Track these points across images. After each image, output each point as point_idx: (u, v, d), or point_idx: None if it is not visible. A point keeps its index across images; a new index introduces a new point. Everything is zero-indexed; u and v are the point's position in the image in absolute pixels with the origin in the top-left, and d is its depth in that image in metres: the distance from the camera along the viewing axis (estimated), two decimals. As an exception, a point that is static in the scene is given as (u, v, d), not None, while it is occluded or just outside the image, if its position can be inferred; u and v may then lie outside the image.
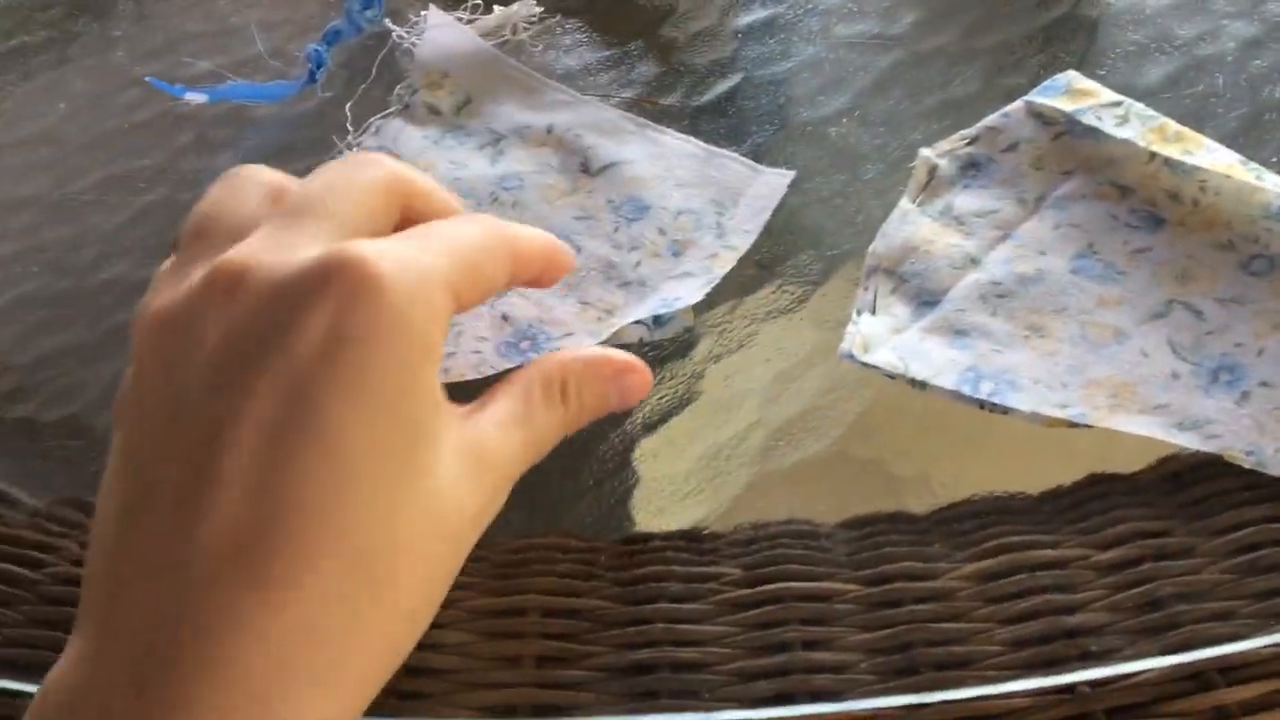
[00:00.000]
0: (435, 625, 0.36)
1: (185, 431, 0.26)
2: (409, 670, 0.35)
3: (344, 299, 0.26)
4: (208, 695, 0.24)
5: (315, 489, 0.25)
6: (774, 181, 0.47)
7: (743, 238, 0.45)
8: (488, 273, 0.30)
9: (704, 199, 0.46)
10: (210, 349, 0.26)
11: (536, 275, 0.33)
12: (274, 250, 0.28)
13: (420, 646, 0.35)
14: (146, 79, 0.54)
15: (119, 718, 0.23)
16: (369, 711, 0.34)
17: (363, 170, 0.30)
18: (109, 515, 0.27)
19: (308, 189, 0.30)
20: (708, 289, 0.42)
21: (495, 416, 0.30)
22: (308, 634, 0.25)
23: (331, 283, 0.26)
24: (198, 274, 0.28)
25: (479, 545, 0.39)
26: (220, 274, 0.27)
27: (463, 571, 0.38)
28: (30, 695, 0.35)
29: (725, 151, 0.48)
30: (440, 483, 0.27)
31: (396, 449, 0.27)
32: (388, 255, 0.27)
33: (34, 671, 0.36)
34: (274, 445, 0.25)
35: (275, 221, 0.29)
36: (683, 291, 0.42)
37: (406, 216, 0.31)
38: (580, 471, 0.40)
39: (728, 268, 0.43)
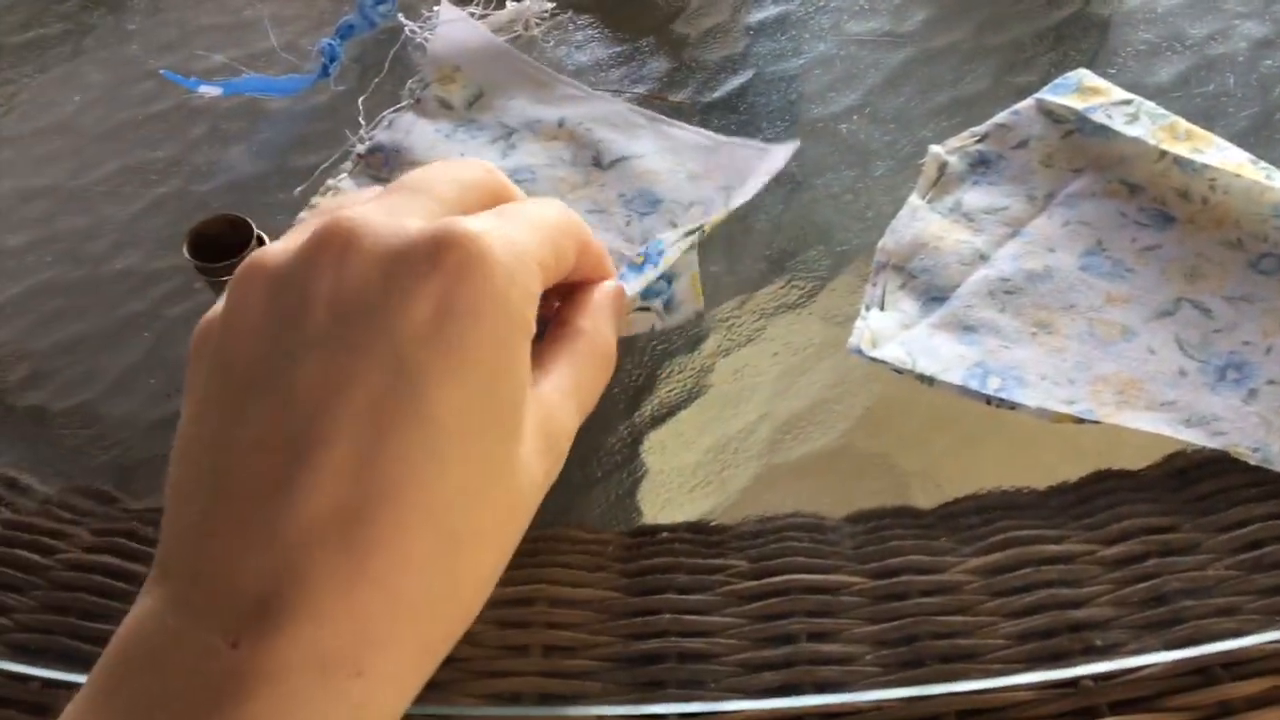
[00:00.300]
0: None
1: (289, 390, 0.26)
2: (417, 658, 0.35)
3: (452, 272, 0.26)
4: (300, 654, 0.24)
5: (413, 468, 0.25)
6: (779, 154, 0.47)
7: (740, 199, 0.45)
8: (567, 253, 0.31)
9: (714, 186, 0.46)
10: (319, 310, 0.27)
11: (592, 268, 0.33)
12: (384, 214, 0.28)
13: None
14: (161, 72, 0.54)
15: (211, 667, 0.24)
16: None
17: (462, 165, 0.32)
18: (198, 462, 0.27)
19: (412, 173, 0.31)
20: (693, 237, 0.42)
21: (559, 384, 0.30)
22: (396, 604, 0.25)
23: (441, 255, 0.26)
24: (311, 230, 0.28)
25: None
26: (332, 231, 0.27)
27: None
28: (41, 679, 0.36)
29: (734, 139, 0.48)
30: (522, 463, 0.28)
31: (490, 431, 0.27)
32: (492, 232, 0.27)
33: (46, 656, 0.37)
34: (377, 419, 0.25)
35: (384, 196, 0.30)
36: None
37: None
38: (589, 464, 0.41)
39: (717, 220, 0.43)
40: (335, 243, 0.27)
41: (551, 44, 0.56)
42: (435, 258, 0.27)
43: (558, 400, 0.30)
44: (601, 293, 0.33)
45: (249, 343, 0.27)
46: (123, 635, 0.26)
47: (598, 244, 0.33)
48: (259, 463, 0.26)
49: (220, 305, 0.29)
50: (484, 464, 0.27)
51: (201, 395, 0.28)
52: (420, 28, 0.55)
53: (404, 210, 0.29)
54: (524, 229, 0.29)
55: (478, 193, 0.31)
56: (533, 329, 0.28)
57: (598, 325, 0.32)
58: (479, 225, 0.28)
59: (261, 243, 0.44)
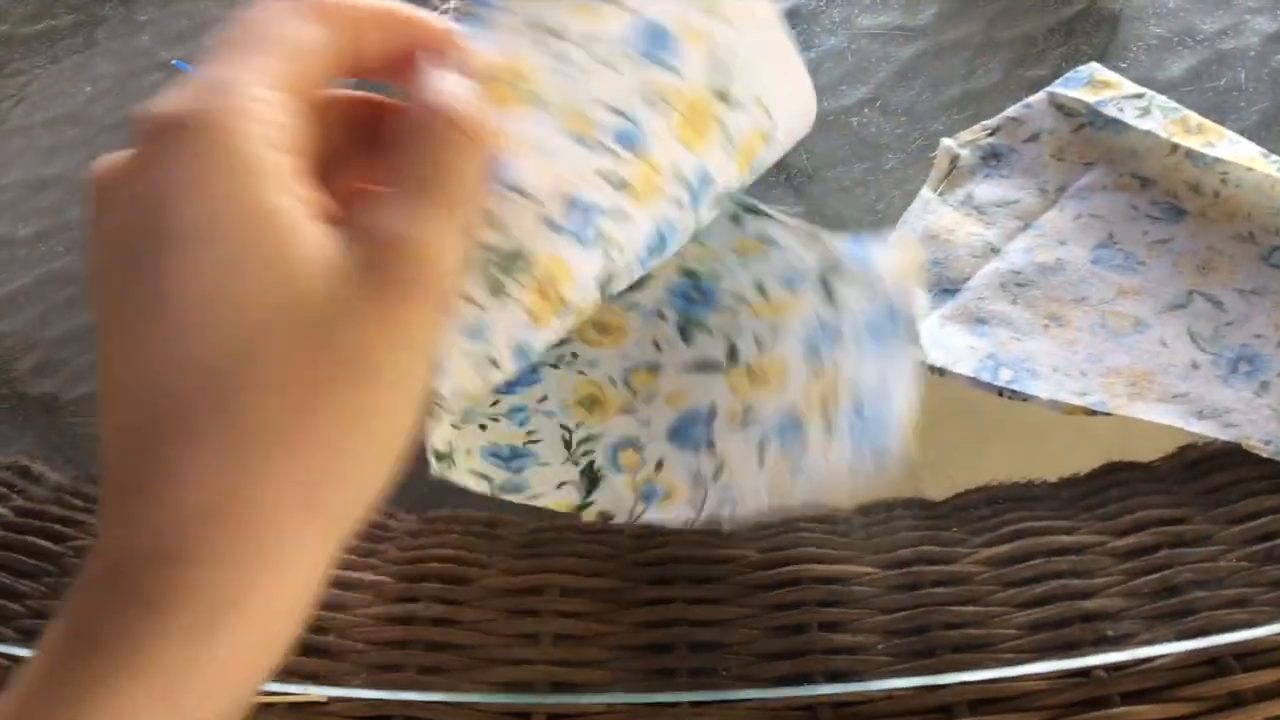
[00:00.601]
0: (455, 602, 0.36)
1: None
2: (430, 646, 0.35)
3: (141, 168, 0.25)
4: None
5: (169, 363, 0.25)
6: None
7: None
8: (299, 54, 0.27)
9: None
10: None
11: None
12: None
13: (439, 622, 0.36)
14: (173, 62, 0.55)
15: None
16: (394, 685, 0.34)
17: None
18: None
19: None
20: None
21: (400, 195, 0.27)
22: (197, 512, 0.24)
23: (135, 158, 0.26)
24: None
25: (499, 525, 0.40)
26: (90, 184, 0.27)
27: (481, 550, 0.38)
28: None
29: None
30: (303, 298, 0.25)
31: (234, 287, 0.25)
32: (171, 100, 0.26)
33: (58, 642, 0.37)
34: (127, 332, 0.25)
35: None
36: None
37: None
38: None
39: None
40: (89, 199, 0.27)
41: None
42: (132, 164, 0.26)
43: (393, 208, 0.26)
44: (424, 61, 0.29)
45: None
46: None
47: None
48: None
49: None
50: (242, 323, 0.25)
51: None
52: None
53: None
54: (227, 60, 0.26)
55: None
56: (270, 145, 0.25)
57: (425, 89, 0.28)
58: (165, 100, 0.26)
59: None
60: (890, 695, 0.33)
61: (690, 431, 0.36)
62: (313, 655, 0.35)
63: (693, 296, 0.37)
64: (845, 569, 0.36)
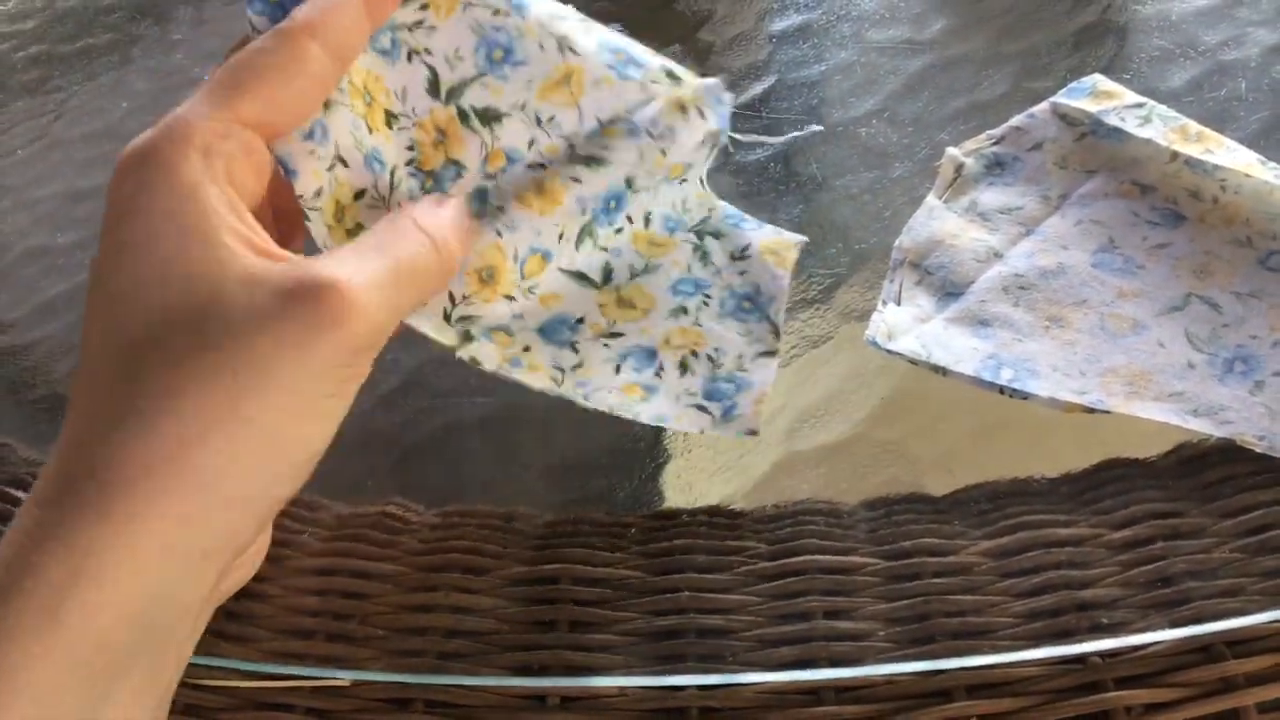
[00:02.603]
0: (472, 590, 0.38)
1: None
2: (449, 633, 0.37)
3: (111, 190, 0.30)
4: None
5: (96, 335, 0.29)
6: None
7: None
8: (267, 70, 0.31)
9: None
10: None
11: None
12: None
13: (458, 609, 0.37)
14: (205, 78, 0.57)
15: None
16: (413, 669, 0.36)
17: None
18: None
19: None
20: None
21: (343, 249, 0.32)
22: (83, 465, 0.28)
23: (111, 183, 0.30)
24: None
25: (515, 519, 0.41)
26: None
27: (498, 542, 0.40)
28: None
29: None
30: (222, 305, 0.29)
31: (158, 284, 0.29)
32: (143, 133, 0.30)
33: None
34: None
35: None
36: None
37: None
38: (613, 450, 0.42)
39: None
40: None
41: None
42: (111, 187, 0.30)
43: (328, 259, 0.30)
44: None
45: None
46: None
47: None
48: None
49: None
50: (164, 314, 0.28)
51: None
52: None
53: None
54: (195, 95, 0.31)
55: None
56: (209, 176, 0.30)
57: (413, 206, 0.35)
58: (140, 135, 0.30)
59: None
60: (891, 680, 0.34)
61: (558, 330, 0.39)
62: (335, 641, 0.37)
63: (610, 203, 0.40)
64: (849, 560, 0.37)
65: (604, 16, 0.58)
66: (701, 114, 0.39)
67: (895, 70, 0.54)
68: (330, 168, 0.34)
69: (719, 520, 0.39)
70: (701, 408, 0.38)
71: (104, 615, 0.27)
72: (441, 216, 0.34)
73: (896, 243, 0.45)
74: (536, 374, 0.38)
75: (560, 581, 0.38)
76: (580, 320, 0.39)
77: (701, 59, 0.56)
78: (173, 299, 0.29)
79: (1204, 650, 0.33)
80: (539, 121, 0.38)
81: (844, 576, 0.37)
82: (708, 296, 0.40)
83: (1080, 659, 0.34)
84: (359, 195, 0.35)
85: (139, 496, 0.27)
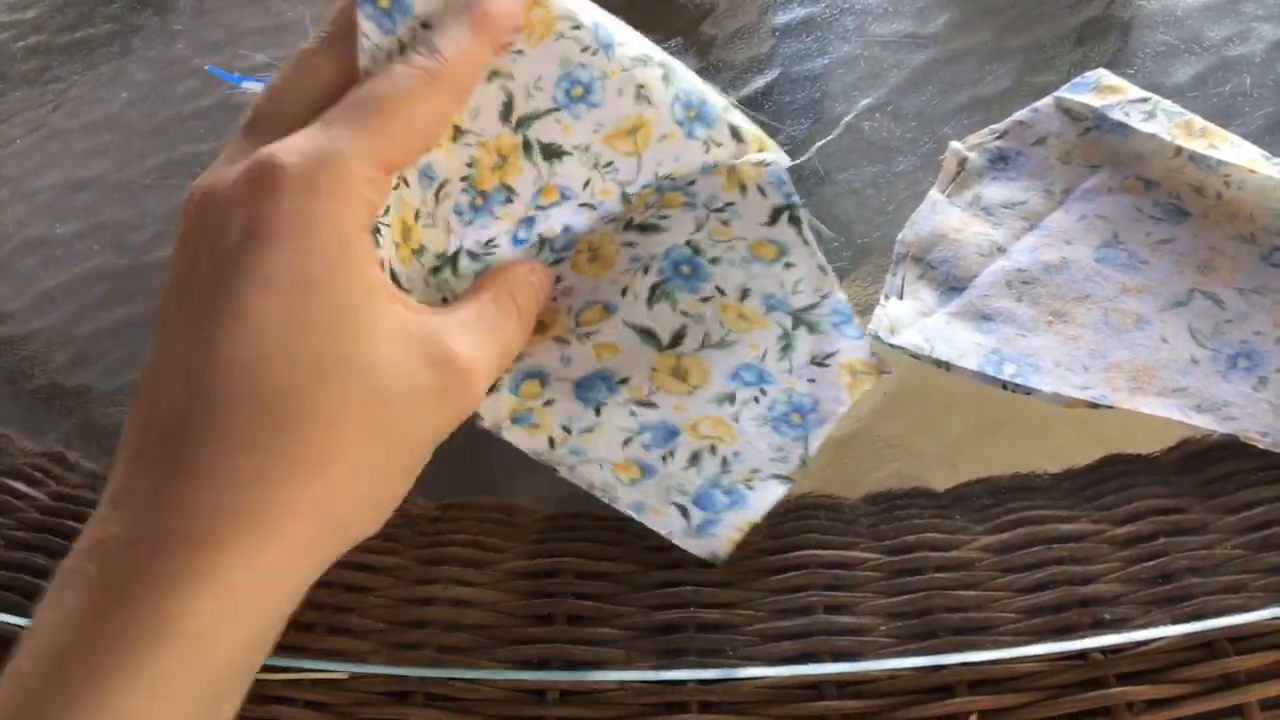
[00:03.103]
0: (472, 584, 0.38)
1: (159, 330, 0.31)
2: (449, 626, 0.36)
3: (253, 200, 0.29)
4: (135, 531, 0.28)
5: (236, 368, 0.28)
6: None
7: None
8: (419, 123, 0.32)
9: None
10: (178, 269, 0.31)
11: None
12: (224, 167, 0.31)
13: (458, 603, 0.37)
14: (206, 67, 0.56)
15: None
16: (413, 663, 0.36)
17: (307, 67, 0.33)
18: None
19: (260, 100, 0.33)
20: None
21: (460, 316, 0.33)
22: (219, 487, 0.28)
23: (244, 188, 0.29)
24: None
25: (515, 513, 0.41)
26: (187, 202, 0.31)
27: (498, 535, 0.40)
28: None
29: None
30: (377, 360, 0.30)
31: (320, 331, 0.29)
32: (292, 151, 0.30)
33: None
34: (202, 330, 0.29)
35: (236, 140, 0.33)
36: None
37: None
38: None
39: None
40: (188, 212, 0.31)
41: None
42: (240, 192, 0.29)
43: (455, 327, 0.32)
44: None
45: None
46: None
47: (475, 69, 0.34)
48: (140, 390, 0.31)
49: None
50: (317, 360, 0.29)
51: None
52: None
53: (242, 154, 0.31)
54: (346, 128, 0.31)
55: (326, 91, 0.33)
56: (362, 231, 0.31)
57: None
58: (281, 147, 0.30)
59: None
60: (893, 675, 0.34)
61: (594, 387, 0.39)
62: (335, 634, 0.36)
63: (683, 268, 0.40)
64: (850, 554, 0.37)
65: (608, 9, 0.58)
66: (762, 192, 0.40)
67: (898, 64, 0.53)
68: (396, 186, 0.35)
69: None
70: (683, 510, 0.38)
71: (240, 649, 0.29)
72: (539, 294, 0.37)
73: (899, 237, 0.45)
74: (535, 434, 0.38)
75: (560, 575, 0.38)
76: (623, 381, 0.39)
77: (704, 52, 0.56)
78: (330, 348, 0.29)
79: (1206, 646, 0.33)
80: (597, 164, 0.38)
81: (845, 571, 0.37)
82: (763, 392, 0.39)
83: (1082, 655, 0.33)
84: (417, 215, 0.36)
85: (297, 546, 0.29)
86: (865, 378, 0.39)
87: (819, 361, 0.39)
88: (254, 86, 0.55)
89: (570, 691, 0.35)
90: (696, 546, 0.37)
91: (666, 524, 0.38)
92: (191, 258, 0.30)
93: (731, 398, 0.39)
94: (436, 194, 0.37)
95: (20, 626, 0.38)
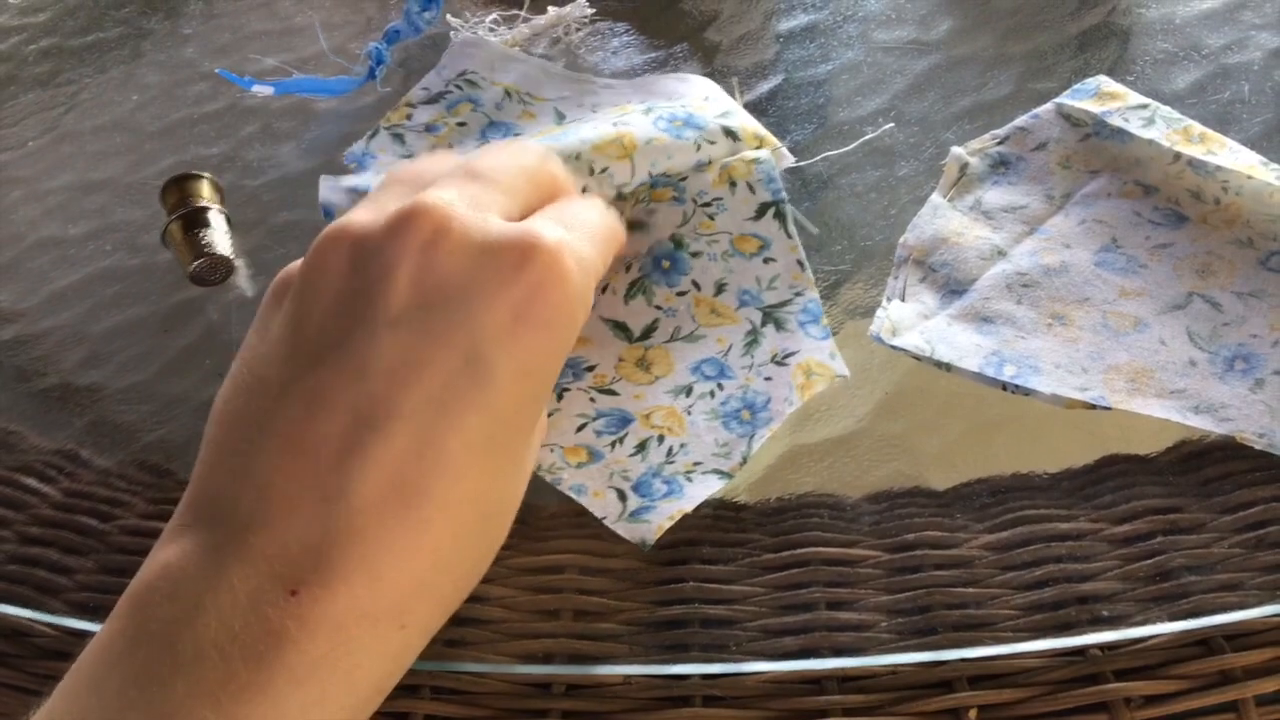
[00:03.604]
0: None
1: (364, 362, 0.28)
2: (454, 620, 0.37)
3: (535, 284, 0.29)
4: (355, 607, 0.27)
5: (471, 454, 0.28)
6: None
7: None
8: (610, 260, 0.35)
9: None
10: (402, 290, 0.29)
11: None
12: (469, 206, 0.30)
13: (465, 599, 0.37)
14: (217, 70, 0.57)
15: (268, 613, 0.26)
16: (420, 656, 0.36)
17: (523, 152, 0.35)
18: (255, 407, 0.29)
19: (482, 158, 0.33)
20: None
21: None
22: (437, 570, 0.28)
23: (526, 264, 0.29)
24: (394, 206, 0.30)
25: (521, 510, 0.41)
26: (421, 214, 0.30)
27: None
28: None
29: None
30: (531, 459, 0.32)
31: (528, 423, 0.31)
32: (569, 247, 0.30)
33: (105, 614, 0.39)
34: (447, 404, 0.28)
35: (461, 179, 0.32)
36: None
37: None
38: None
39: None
40: (424, 226, 0.30)
41: (585, 50, 0.58)
42: (521, 265, 0.29)
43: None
44: None
45: (327, 304, 0.30)
46: (148, 580, 0.27)
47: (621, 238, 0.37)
48: (329, 421, 0.28)
49: (301, 260, 0.31)
50: (520, 450, 0.31)
51: (272, 338, 0.30)
52: (464, 27, 0.57)
53: (485, 204, 0.31)
54: (589, 243, 0.32)
55: (537, 184, 0.34)
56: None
57: None
58: (558, 238, 0.30)
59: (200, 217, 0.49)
60: (894, 670, 0.34)
61: (561, 374, 0.41)
62: (344, 627, 0.37)
63: (663, 263, 0.41)
64: (851, 552, 0.38)
65: (614, 12, 0.59)
66: (751, 189, 0.42)
67: (901, 70, 0.54)
68: None
69: (723, 513, 0.40)
70: (621, 494, 0.39)
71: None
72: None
73: (901, 240, 0.45)
74: None
75: (566, 571, 0.38)
76: (590, 369, 0.40)
77: (708, 59, 0.57)
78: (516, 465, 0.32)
79: (1203, 644, 0.33)
80: (593, 171, 0.40)
81: (847, 568, 0.37)
82: (720, 387, 0.40)
83: (1080, 651, 0.34)
84: None
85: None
86: (819, 379, 0.40)
87: (779, 360, 0.41)
88: (264, 90, 0.56)
89: (576, 685, 0.35)
90: (627, 531, 0.38)
91: (603, 507, 0.39)
92: (435, 302, 0.29)
93: (689, 390, 0.40)
94: None
95: (34, 621, 0.38)
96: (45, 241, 0.53)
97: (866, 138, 0.50)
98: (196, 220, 0.50)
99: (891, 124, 0.50)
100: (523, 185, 0.33)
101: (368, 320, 0.29)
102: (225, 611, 0.26)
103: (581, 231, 0.32)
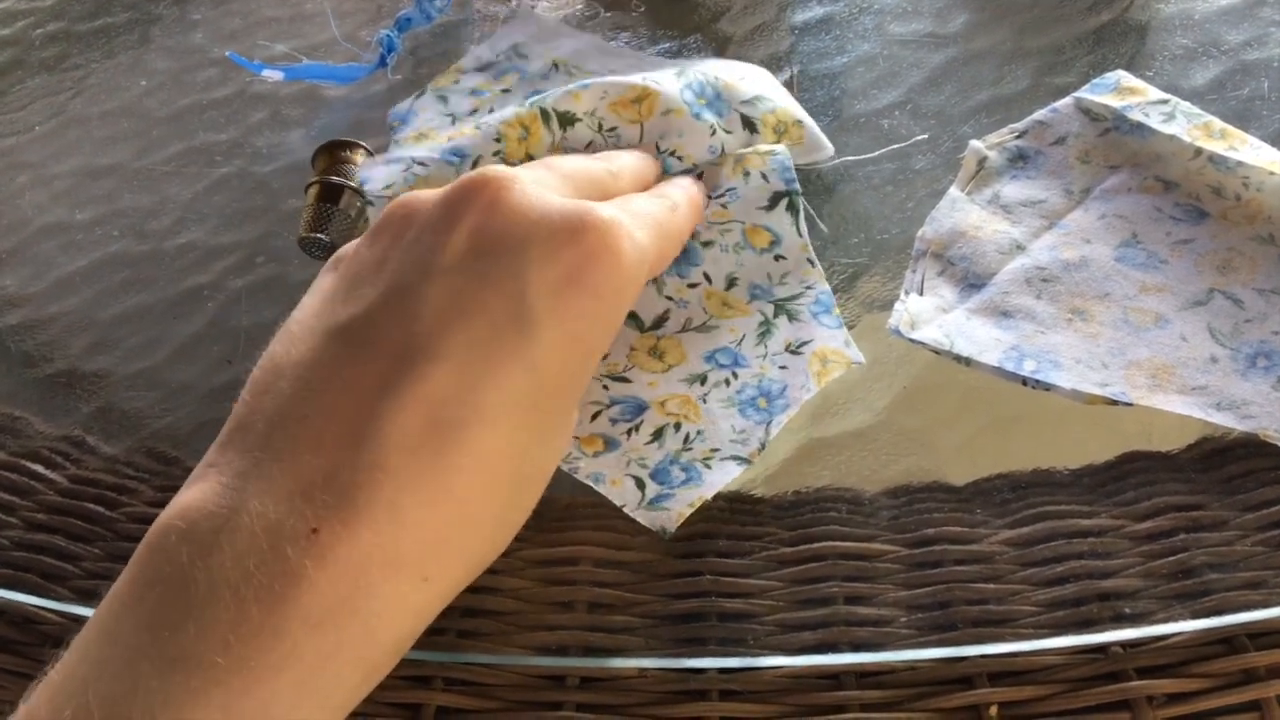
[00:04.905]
0: (492, 571, 0.38)
1: (417, 302, 0.28)
2: (468, 612, 0.36)
3: (588, 251, 0.29)
4: (377, 550, 0.26)
5: (509, 406, 0.28)
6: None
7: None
8: (669, 255, 0.36)
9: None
10: (460, 240, 0.29)
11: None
12: (533, 181, 0.31)
13: (478, 590, 0.37)
14: (227, 54, 0.57)
15: (290, 549, 0.25)
16: (433, 648, 0.36)
17: (594, 160, 0.37)
18: (303, 341, 0.29)
19: (551, 158, 0.36)
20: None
21: None
22: (465, 522, 0.27)
23: (581, 233, 0.29)
24: (461, 179, 0.31)
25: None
26: (485, 178, 0.30)
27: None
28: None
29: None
30: (570, 433, 0.32)
31: (572, 395, 0.30)
32: (625, 228, 0.30)
33: (112, 601, 0.38)
34: (489, 352, 0.28)
35: (528, 166, 0.33)
36: None
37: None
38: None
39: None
40: (487, 188, 0.30)
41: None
42: (576, 233, 0.29)
43: None
44: None
45: (385, 256, 0.30)
46: (166, 522, 0.26)
47: (691, 224, 0.37)
48: (369, 359, 0.27)
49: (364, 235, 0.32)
50: (560, 419, 0.30)
51: (327, 292, 0.30)
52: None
53: (547, 183, 0.32)
54: (644, 230, 0.32)
55: (601, 184, 0.35)
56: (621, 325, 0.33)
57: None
58: (613, 216, 0.30)
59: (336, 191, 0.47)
60: (913, 666, 0.34)
61: None
62: (355, 617, 0.36)
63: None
64: (870, 547, 0.37)
65: (623, 8, 0.59)
66: (765, 178, 0.42)
67: (918, 63, 0.54)
68: (406, 168, 0.38)
69: (740, 506, 0.39)
70: (639, 482, 0.38)
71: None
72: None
73: (919, 234, 0.45)
74: None
75: (580, 563, 0.38)
76: (603, 357, 0.40)
77: (721, 50, 0.56)
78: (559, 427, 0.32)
79: (1226, 642, 0.33)
80: (600, 128, 0.41)
81: (865, 563, 0.37)
82: (734, 375, 0.40)
83: (1102, 648, 0.33)
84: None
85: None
86: (834, 366, 0.40)
87: (793, 349, 0.41)
88: (274, 74, 0.55)
89: (590, 678, 0.35)
90: (647, 519, 0.38)
91: (622, 495, 0.38)
92: (488, 256, 0.29)
93: (703, 379, 0.40)
94: (474, 167, 0.39)
95: (40, 608, 0.38)
96: (52, 227, 0.53)
97: (894, 147, 0.49)
98: (333, 194, 0.47)
99: (924, 135, 0.50)
100: (586, 182, 0.34)
101: (424, 268, 0.29)
102: (241, 549, 0.25)
103: (641, 220, 0.33)
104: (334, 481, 0.26)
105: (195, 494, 0.27)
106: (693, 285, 0.42)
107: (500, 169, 0.31)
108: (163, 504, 0.41)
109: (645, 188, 0.39)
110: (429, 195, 0.31)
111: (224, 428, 0.29)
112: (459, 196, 0.30)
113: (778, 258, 0.42)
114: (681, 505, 0.38)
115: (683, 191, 0.39)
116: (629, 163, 0.39)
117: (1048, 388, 0.39)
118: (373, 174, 0.44)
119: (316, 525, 0.25)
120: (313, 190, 0.47)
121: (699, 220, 0.38)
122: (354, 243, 0.33)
